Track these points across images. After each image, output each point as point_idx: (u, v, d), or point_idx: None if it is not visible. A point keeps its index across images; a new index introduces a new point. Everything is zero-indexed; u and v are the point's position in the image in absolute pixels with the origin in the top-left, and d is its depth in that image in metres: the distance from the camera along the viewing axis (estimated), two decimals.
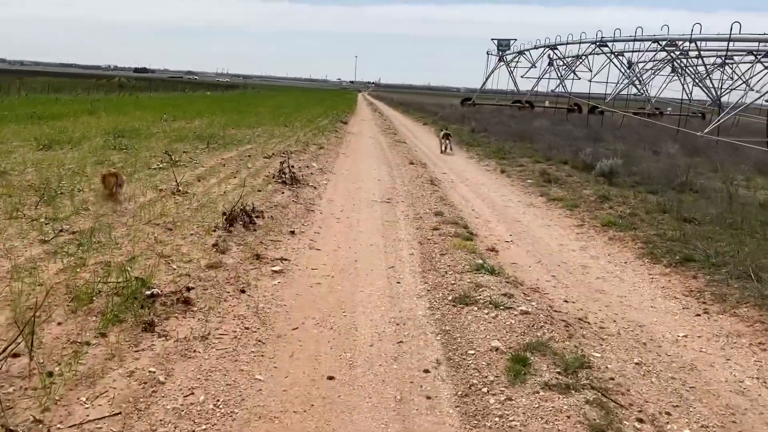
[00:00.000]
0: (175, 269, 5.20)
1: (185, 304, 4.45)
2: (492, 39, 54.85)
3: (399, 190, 10.68)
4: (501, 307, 4.79)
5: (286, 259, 6.04)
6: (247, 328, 4.34)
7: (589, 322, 4.92)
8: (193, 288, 4.75)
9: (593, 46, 32.73)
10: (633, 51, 36.38)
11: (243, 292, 5.01)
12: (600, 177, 12.06)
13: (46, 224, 5.99)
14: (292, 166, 10.37)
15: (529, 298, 5.18)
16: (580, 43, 33.83)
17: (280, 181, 9.78)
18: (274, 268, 5.66)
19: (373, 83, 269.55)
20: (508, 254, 6.94)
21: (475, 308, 4.84)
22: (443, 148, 17.70)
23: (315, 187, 10.16)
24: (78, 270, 4.85)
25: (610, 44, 31.46)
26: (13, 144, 11.20)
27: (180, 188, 8.19)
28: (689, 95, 49.04)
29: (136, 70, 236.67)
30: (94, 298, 4.32)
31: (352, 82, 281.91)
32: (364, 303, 5.06)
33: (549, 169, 13.28)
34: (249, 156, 12.63)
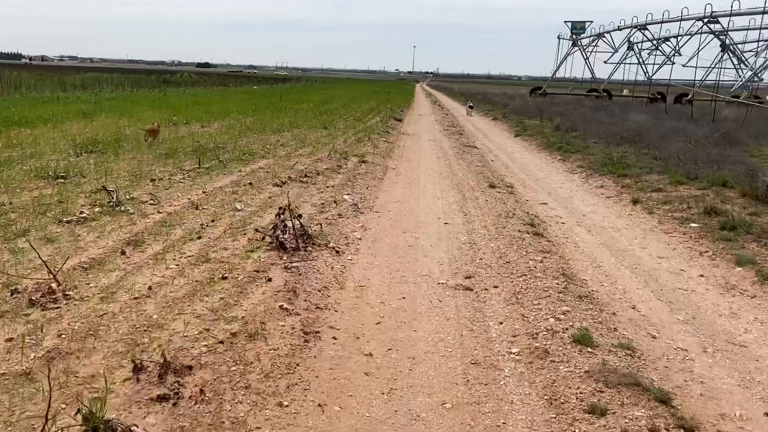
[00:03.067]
0: None
1: None
2: (565, 21, 48.85)
3: (482, 251, 6.24)
4: None
5: None
6: None
7: None
8: None
9: (699, 23, 26.75)
10: (729, 31, 30.15)
11: None
12: None
13: None
14: (301, 215, 6.09)
15: None
16: (681, 20, 27.93)
17: (274, 245, 5.55)
18: None
19: (431, 73, 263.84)
20: None
21: None
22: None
23: (338, 251, 5.85)
24: None
25: (723, 20, 25.50)
26: None
27: (41, 296, 4.06)
28: None
29: (198, 65, 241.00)
30: None
31: (410, 72, 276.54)
32: None
33: (712, 200, 8.48)
34: (251, 183, 8.48)
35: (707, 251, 6.49)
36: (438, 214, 7.94)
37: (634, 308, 4.91)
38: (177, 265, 4.94)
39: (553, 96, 47.33)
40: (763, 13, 20.84)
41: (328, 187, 8.85)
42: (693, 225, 7.38)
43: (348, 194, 8.52)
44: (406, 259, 5.90)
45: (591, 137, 16.92)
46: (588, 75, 50.89)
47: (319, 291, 4.72)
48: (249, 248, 5.49)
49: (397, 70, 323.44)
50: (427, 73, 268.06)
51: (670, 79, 36.23)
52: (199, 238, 5.73)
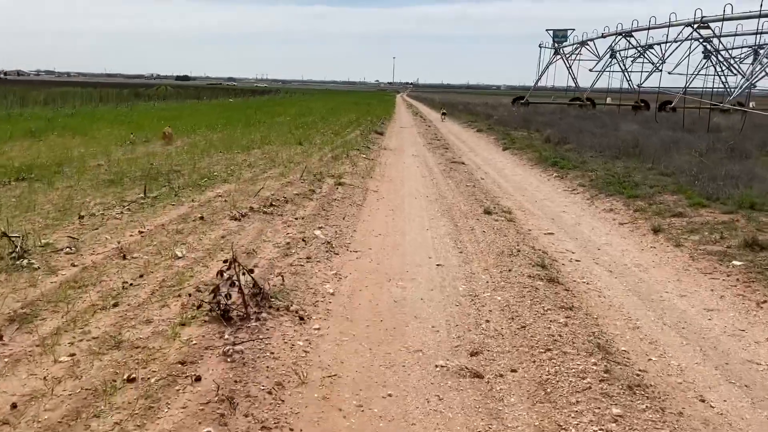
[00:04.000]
0: None
1: None
2: (547, 30, 48.10)
3: (487, 308, 4.90)
4: None
5: None
6: None
7: None
8: None
9: (688, 29, 25.82)
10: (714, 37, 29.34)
11: None
12: None
13: None
14: (253, 270, 4.69)
15: None
16: (668, 26, 27.01)
17: (215, 314, 4.16)
18: None
19: (411, 84, 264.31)
20: None
21: None
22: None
23: (302, 318, 4.46)
24: None
25: (713, 25, 24.60)
26: None
27: None
28: None
29: (177, 78, 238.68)
30: None
31: (390, 83, 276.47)
32: None
33: (748, 228, 7.27)
34: (202, 218, 7.06)
35: (765, 301, 5.23)
36: (428, 252, 6.60)
37: (703, 401, 3.60)
38: (71, 355, 3.53)
39: (536, 106, 46.52)
40: (760, 16, 19.91)
41: (297, 218, 7.47)
42: (736, 263, 6.13)
43: (320, 228, 7.14)
44: (392, 325, 4.54)
45: (586, 150, 15.76)
46: (571, 83, 50.22)
47: (270, 393, 3.32)
48: (180, 320, 4.08)
49: (377, 81, 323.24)
50: (407, 83, 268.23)
51: (659, 87, 35.43)
52: (116, 305, 4.31)
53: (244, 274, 4.45)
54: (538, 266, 6.00)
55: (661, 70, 30.71)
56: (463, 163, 14.64)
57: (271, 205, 7.97)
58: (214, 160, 11.98)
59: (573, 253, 6.85)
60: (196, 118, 23.56)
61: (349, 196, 9.41)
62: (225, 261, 4.48)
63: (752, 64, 29.85)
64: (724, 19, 21.66)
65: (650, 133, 20.47)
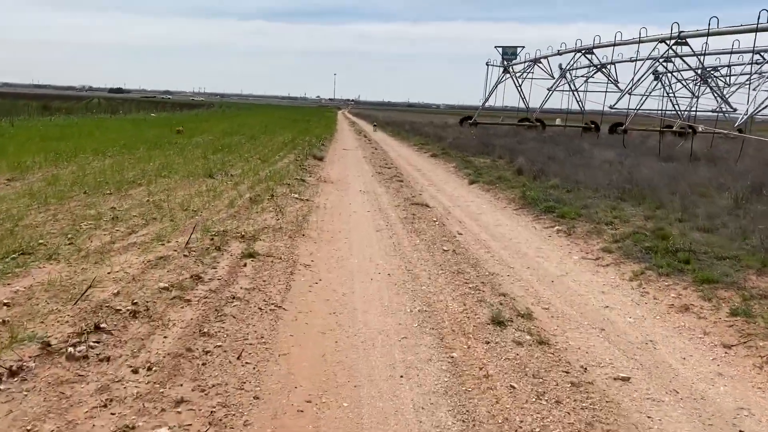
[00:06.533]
0: None
1: None
2: (496, 47, 45.76)
3: None
4: None
5: None
6: None
7: None
8: None
9: (662, 46, 23.34)
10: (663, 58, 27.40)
11: None
12: None
13: None
14: None
15: None
16: (639, 42, 24.56)
17: None
18: None
19: (352, 100, 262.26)
20: None
21: None
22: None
23: None
24: None
25: (690, 41, 22.24)
26: None
27: None
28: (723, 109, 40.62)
29: (111, 90, 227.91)
30: None
31: (331, 99, 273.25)
32: None
33: None
34: None
35: None
36: None
37: None
38: None
39: (486, 126, 44.03)
40: (757, 30, 17.53)
41: (141, 367, 3.66)
42: None
43: (176, 411, 3.33)
44: None
45: (576, 187, 12.58)
46: (522, 103, 48.07)
47: None
48: None
49: (318, 96, 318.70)
50: (348, 100, 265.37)
51: (628, 108, 33.29)
52: None
53: None
54: None
55: (631, 94, 28.26)
56: (427, 206, 11.11)
57: (98, 328, 4.09)
58: (65, 208, 7.94)
59: None
60: (92, 138, 19.12)
61: (262, 284, 5.62)
62: None
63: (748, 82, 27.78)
64: (708, 34, 19.42)
65: (633, 163, 17.70)
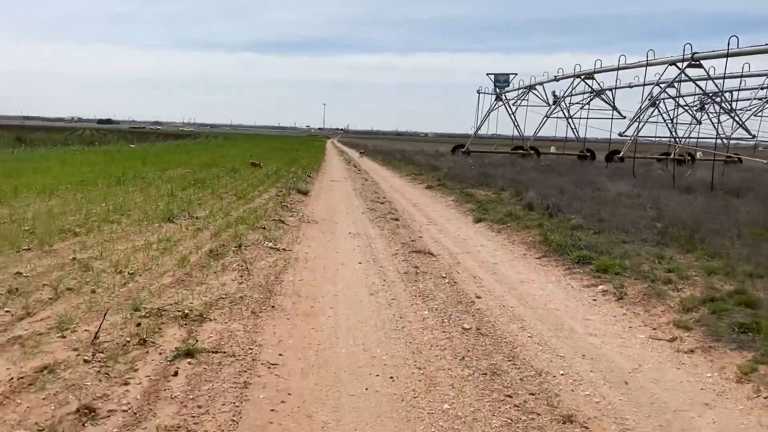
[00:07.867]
0: None
1: None
2: (487, 74, 44.54)
3: None
4: None
5: None
6: None
7: None
8: None
9: (674, 69, 21.83)
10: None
11: None
12: None
13: None
14: None
15: None
16: (646, 65, 22.99)
17: None
18: None
19: (341, 129, 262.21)
20: None
21: None
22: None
23: None
24: None
25: (705, 63, 20.74)
26: None
27: None
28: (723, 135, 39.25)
29: (100, 121, 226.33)
30: None
31: (320, 128, 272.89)
32: None
33: None
34: None
35: None
36: None
37: None
38: None
39: (480, 155, 42.47)
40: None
41: None
42: None
43: None
44: None
45: (603, 227, 10.69)
46: (515, 131, 46.63)
47: None
48: None
49: (308, 126, 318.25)
50: (337, 129, 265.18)
51: (631, 134, 31.73)
52: None
53: None
54: None
55: (640, 121, 26.70)
56: (431, 254, 9.14)
57: None
58: None
59: None
60: (49, 173, 17.08)
61: (193, 418, 3.56)
62: None
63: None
64: (728, 55, 17.90)
65: (651, 195, 15.91)
